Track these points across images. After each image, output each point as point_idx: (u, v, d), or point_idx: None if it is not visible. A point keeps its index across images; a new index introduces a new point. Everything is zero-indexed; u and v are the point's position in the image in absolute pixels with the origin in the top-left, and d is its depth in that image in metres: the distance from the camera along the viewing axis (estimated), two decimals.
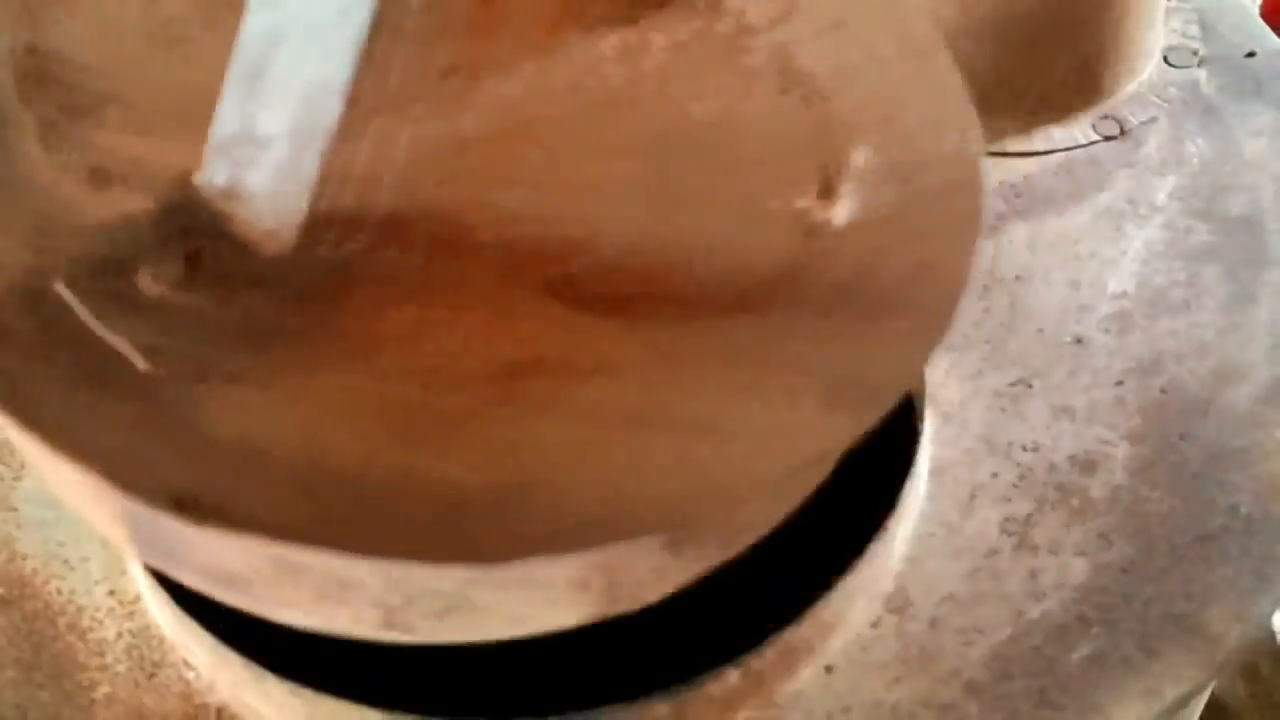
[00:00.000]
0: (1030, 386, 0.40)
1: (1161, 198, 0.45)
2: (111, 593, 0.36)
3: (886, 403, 0.25)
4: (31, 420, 0.23)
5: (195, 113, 0.27)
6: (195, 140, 0.27)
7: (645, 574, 0.25)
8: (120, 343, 0.25)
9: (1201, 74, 0.49)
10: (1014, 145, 0.47)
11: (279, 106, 0.26)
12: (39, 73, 0.29)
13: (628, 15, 0.33)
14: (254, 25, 0.26)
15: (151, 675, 0.34)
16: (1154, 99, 0.48)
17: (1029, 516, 0.37)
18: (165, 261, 0.26)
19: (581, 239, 0.29)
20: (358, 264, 0.27)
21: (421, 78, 0.30)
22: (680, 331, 0.27)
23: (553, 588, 0.24)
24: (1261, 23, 0.51)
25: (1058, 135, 0.47)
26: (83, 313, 0.25)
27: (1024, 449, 0.39)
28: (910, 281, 0.28)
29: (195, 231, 0.27)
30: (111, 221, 0.27)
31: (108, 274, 0.26)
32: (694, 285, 0.28)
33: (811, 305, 0.28)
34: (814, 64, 0.32)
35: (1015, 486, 0.38)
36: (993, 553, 0.36)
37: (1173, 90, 0.48)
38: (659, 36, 0.33)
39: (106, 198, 0.27)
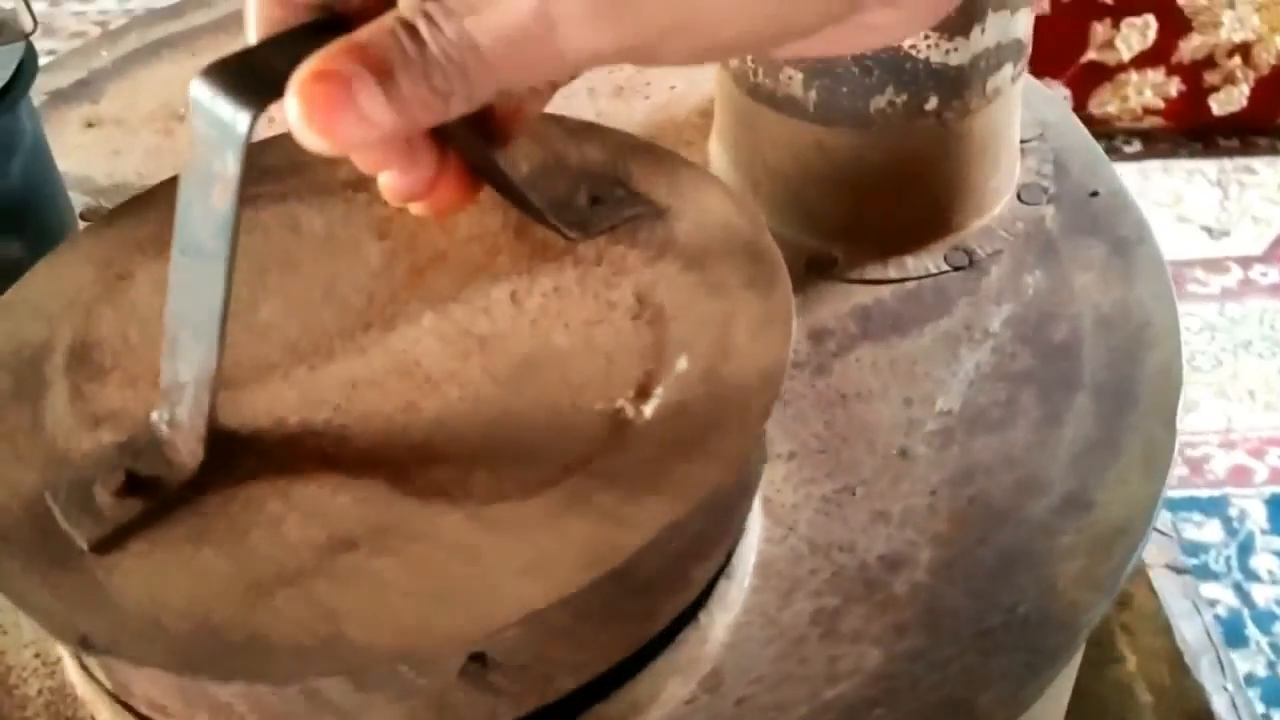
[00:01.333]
0: (854, 493, 0.46)
1: (995, 324, 0.51)
2: (37, 655, 0.42)
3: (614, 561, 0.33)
4: (6, 586, 0.34)
5: None
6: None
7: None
8: (73, 533, 0.35)
9: (1049, 210, 0.55)
10: (871, 272, 0.53)
11: (185, 362, 0.35)
12: (81, 353, 0.40)
13: (526, 267, 0.41)
14: (167, 309, 0.35)
15: None
16: (1002, 233, 0.54)
17: (837, 609, 0.42)
18: (112, 477, 0.35)
19: (422, 439, 0.37)
20: (240, 472, 0.36)
21: (339, 327, 0.40)
22: (487, 508, 0.35)
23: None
24: (1109, 164, 0.57)
25: (911, 264, 0.53)
26: (56, 513, 0.35)
27: (841, 549, 0.44)
28: (679, 463, 0.35)
29: (140, 455, 0.36)
30: (89, 451, 0.37)
31: (78, 487, 0.36)
32: (504, 474, 0.36)
33: (598, 484, 0.35)
34: (666, 296, 0.40)
35: (828, 582, 0.43)
36: (801, 640, 0.42)
37: (1020, 225, 0.54)
38: (546, 281, 0.41)
39: (95, 435, 0.38)
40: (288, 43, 0.31)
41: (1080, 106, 1.62)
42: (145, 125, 0.61)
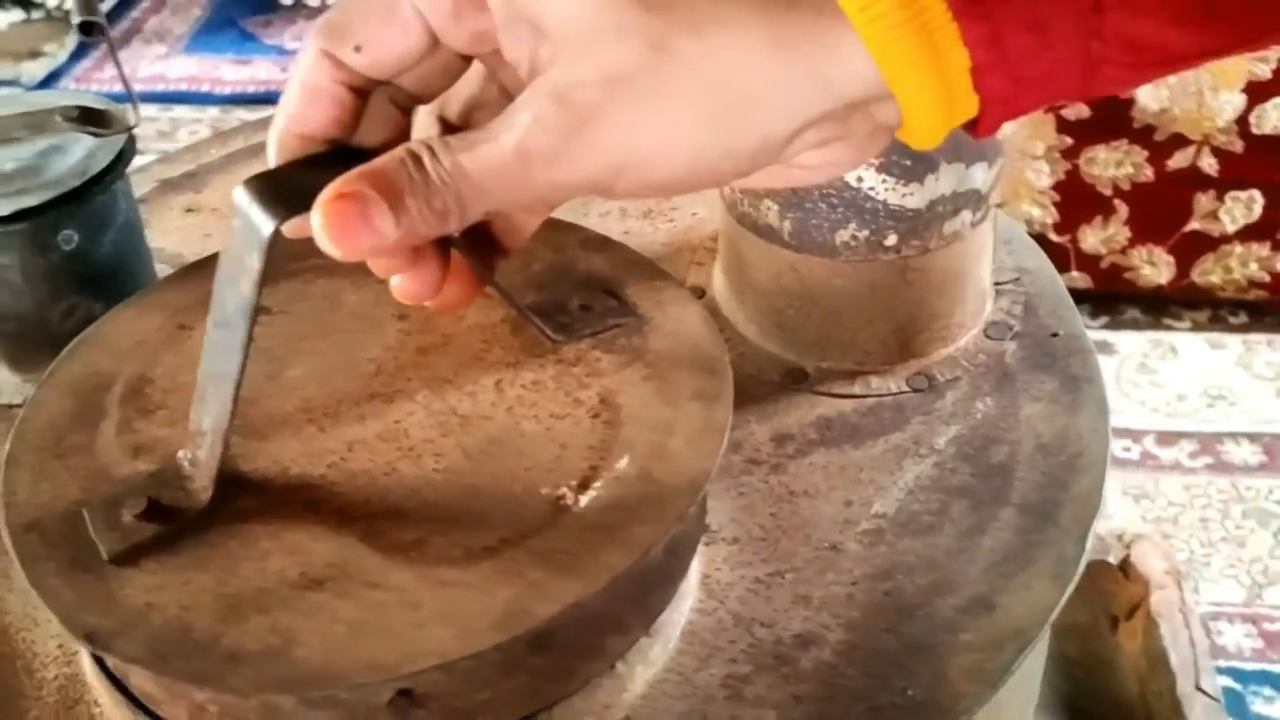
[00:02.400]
0: (784, 578, 0.51)
1: (942, 442, 0.56)
2: (60, 645, 0.49)
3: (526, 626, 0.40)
4: (36, 582, 0.42)
5: None
6: None
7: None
8: (99, 544, 0.42)
9: (1011, 346, 0.60)
10: (838, 388, 0.58)
11: (207, 414, 0.42)
12: (137, 388, 0.48)
13: (514, 360, 0.49)
14: (199, 368, 0.42)
15: (70, 708, 0.47)
16: (963, 363, 0.59)
17: (746, 676, 0.47)
18: (138, 502, 0.43)
19: (396, 502, 0.44)
20: (242, 510, 0.43)
21: (348, 393, 0.48)
22: (434, 569, 0.42)
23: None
24: (1074, 309, 0.62)
25: (875, 383, 0.58)
26: (87, 524, 0.42)
27: (761, 624, 0.49)
28: (598, 549, 0.42)
29: (164, 486, 0.44)
30: (125, 476, 0.44)
31: (109, 505, 0.43)
32: (456, 539, 0.42)
33: (529, 560, 0.42)
34: (625, 400, 0.47)
35: (744, 652, 0.48)
36: (709, 699, 0.47)
37: (982, 357, 0.59)
38: (528, 375, 0.48)
39: (133, 463, 0.45)
40: (310, 166, 0.39)
41: (1183, 274, 1.65)
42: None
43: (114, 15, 2.41)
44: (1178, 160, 1.58)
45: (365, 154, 0.41)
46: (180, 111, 2.15)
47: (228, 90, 2.21)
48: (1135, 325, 1.69)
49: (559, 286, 0.51)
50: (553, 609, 0.40)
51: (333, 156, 0.40)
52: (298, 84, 0.39)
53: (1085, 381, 0.58)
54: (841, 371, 0.59)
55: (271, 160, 0.40)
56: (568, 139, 0.36)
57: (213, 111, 2.16)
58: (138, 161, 0.61)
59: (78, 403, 0.47)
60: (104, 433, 0.46)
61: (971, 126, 0.37)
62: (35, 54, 2.32)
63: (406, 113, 0.41)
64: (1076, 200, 1.63)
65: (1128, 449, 1.51)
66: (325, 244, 0.37)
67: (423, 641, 0.39)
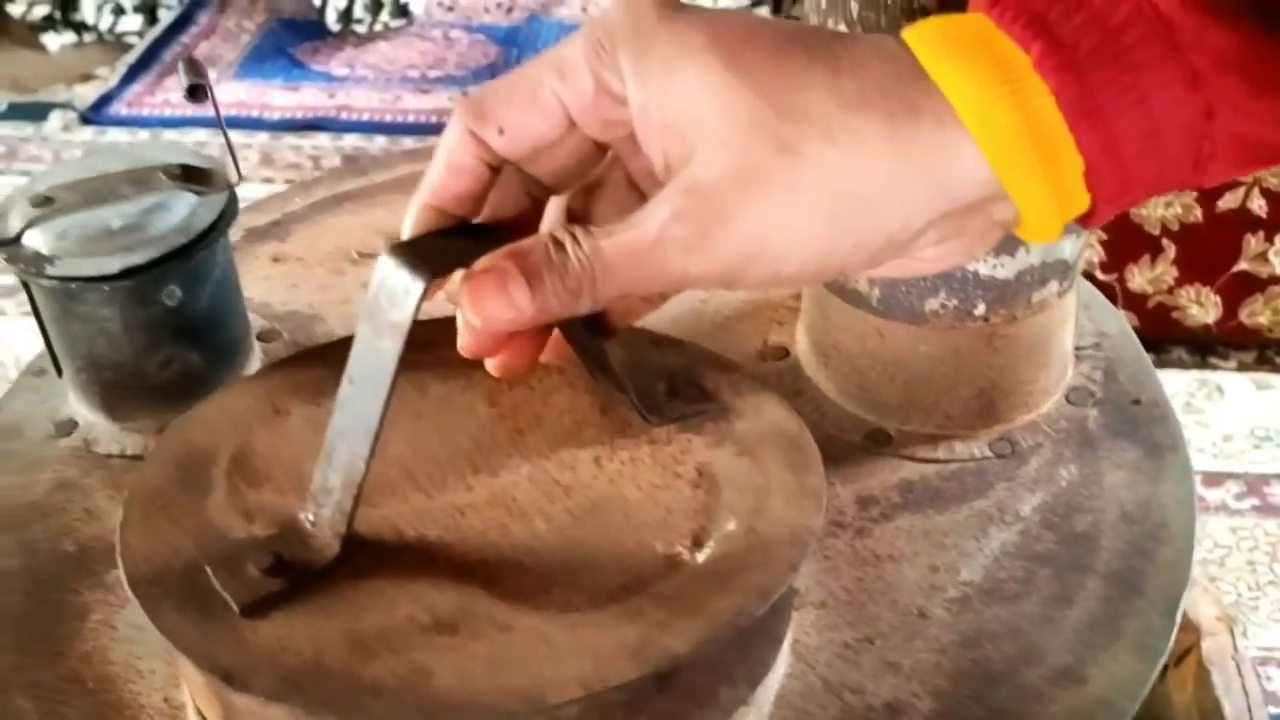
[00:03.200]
0: (872, 643, 0.51)
1: (1026, 509, 0.56)
2: (165, 699, 0.50)
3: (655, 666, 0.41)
4: (164, 628, 0.43)
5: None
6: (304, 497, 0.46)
7: None
8: (226, 597, 0.43)
9: (1093, 412, 0.61)
10: (921, 451, 0.59)
11: (337, 470, 0.44)
12: (241, 462, 0.49)
13: (608, 439, 0.50)
14: (331, 425, 0.44)
15: None
16: (1046, 428, 0.60)
17: None
18: (263, 557, 0.44)
19: (513, 556, 0.45)
20: (364, 566, 0.45)
21: (451, 467, 0.49)
22: (561, 614, 0.43)
23: None
24: (1155, 373, 0.62)
25: (958, 448, 0.59)
26: (214, 582, 0.44)
27: (851, 691, 0.50)
28: (718, 595, 0.43)
29: (286, 543, 0.45)
30: (244, 538, 0.46)
31: (232, 562, 0.44)
32: (577, 587, 0.44)
33: (652, 604, 0.43)
34: (721, 471, 0.48)
35: (834, 719, 0.49)
36: None
37: (1064, 423, 0.60)
38: (624, 453, 0.50)
39: (247, 525, 0.46)
40: (445, 237, 0.42)
41: (1230, 315, 1.65)
42: (321, 264, 0.72)
43: (165, 40, 2.44)
44: (1227, 201, 1.58)
45: (494, 227, 0.43)
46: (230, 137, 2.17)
47: (276, 116, 2.23)
48: (1181, 365, 1.69)
49: (640, 375, 0.52)
50: (684, 645, 0.42)
51: (466, 229, 0.43)
52: (443, 159, 0.42)
53: (1169, 450, 0.59)
54: (923, 434, 0.59)
55: (407, 226, 0.43)
56: (704, 232, 0.37)
57: (262, 137, 2.18)
58: None
59: (183, 474, 0.48)
60: (214, 500, 0.47)
61: (1082, 218, 0.38)
62: (88, 77, 2.35)
63: (535, 196, 0.43)
64: (1124, 239, 1.63)
65: None
66: (467, 312, 0.40)
67: (563, 673, 0.41)
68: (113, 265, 0.56)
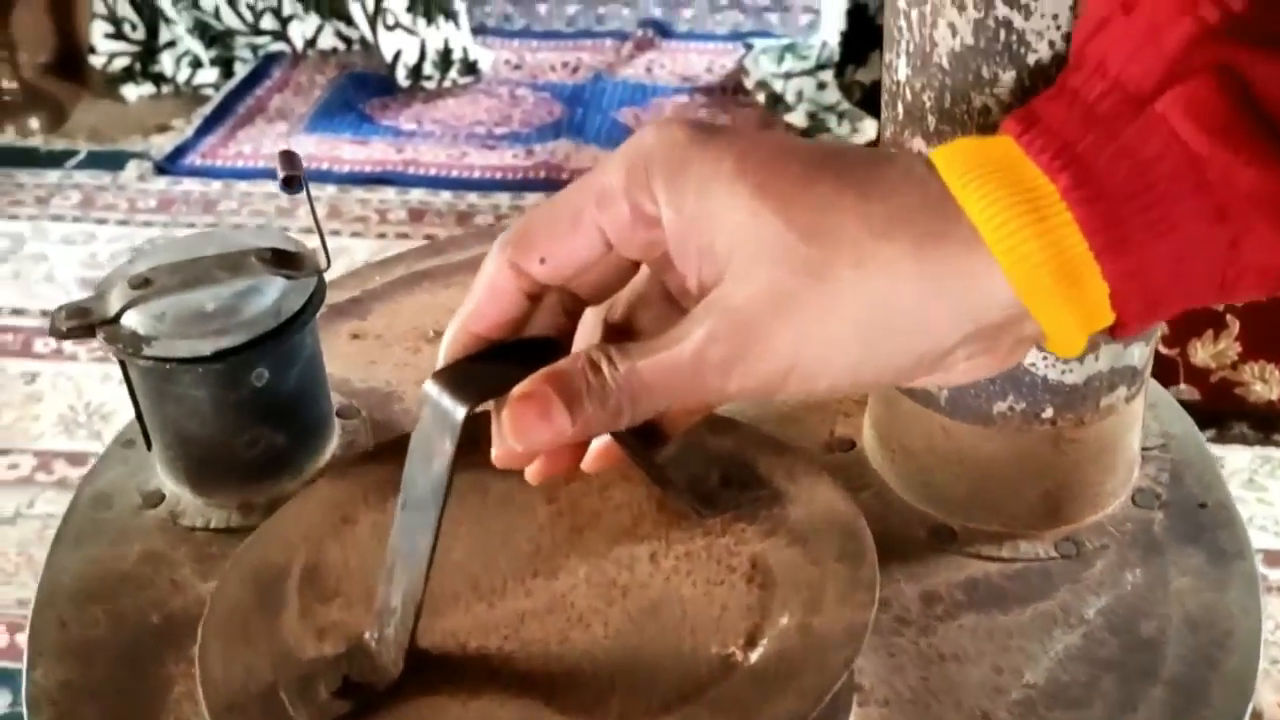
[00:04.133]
0: None
1: (1090, 613, 0.57)
2: None
3: None
4: None
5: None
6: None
7: None
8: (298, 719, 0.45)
9: (1159, 515, 0.61)
10: (985, 550, 0.60)
11: (397, 590, 0.45)
12: (311, 577, 0.51)
13: (664, 533, 0.51)
14: (389, 546, 0.46)
15: None
16: (1111, 530, 0.60)
17: None
18: (332, 679, 0.46)
19: (573, 665, 0.47)
20: (428, 683, 0.46)
21: (511, 570, 0.50)
22: None
23: None
24: (1221, 476, 0.63)
25: (1023, 547, 0.60)
26: (285, 702, 0.45)
27: None
28: (773, 697, 0.44)
29: (353, 664, 0.46)
30: (316, 658, 0.47)
31: (304, 684, 0.46)
32: (635, 698, 0.45)
33: (707, 713, 0.44)
34: (775, 563, 0.49)
35: None
36: None
37: (1129, 525, 0.60)
38: (679, 547, 0.51)
39: (319, 645, 0.48)
40: (487, 360, 0.44)
41: None
42: (399, 342, 0.74)
43: (239, 93, 2.50)
44: None
45: (531, 344, 0.44)
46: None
47: (345, 169, 2.28)
48: (1244, 441, 1.68)
49: (694, 462, 0.53)
50: None
51: (505, 349, 0.44)
52: (483, 288, 0.44)
53: (1235, 557, 0.59)
54: (989, 533, 0.60)
55: (445, 351, 0.45)
56: (739, 352, 0.39)
57: (330, 190, 2.22)
58: None
59: (259, 592, 0.50)
60: (287, 619, 0.49)
61: (1111, 329, 0.40)
62: (164, 128, 2.41)
63: (571, 310, 0.44)
64: (1188, 314, 1.63)
65: None
66: (509, 437, 0.41)
67: None
68: (206, 348, 0.58)
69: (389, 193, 2.23)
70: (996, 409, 0.57)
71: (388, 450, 0.55)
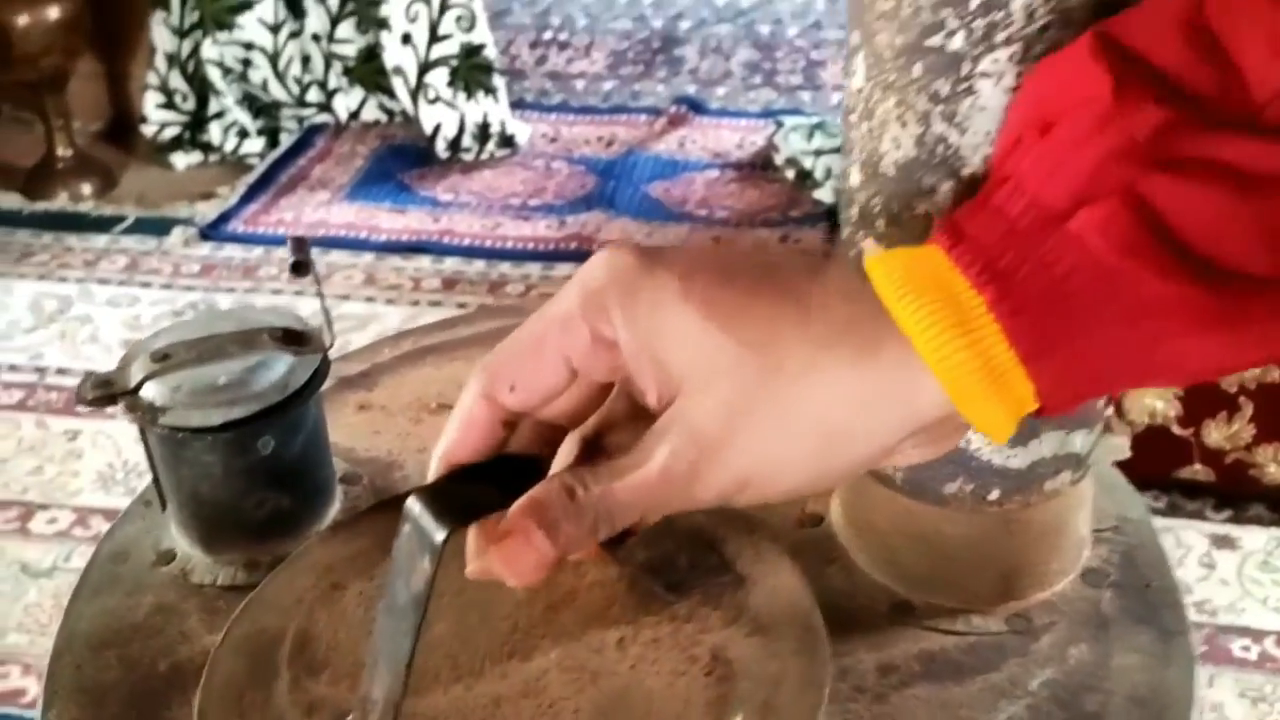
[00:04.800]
0: None
1: (1036, 685, 0.60)
2: None
3: None
4: None
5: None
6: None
7: None
8: None
9: (1108, 594, 0.64)
10: (942, 624, 0.63)
11: (379, 684, 0.48)
12: (302, 646, 0.55)
13: (633, 617, 0.55)
14: (371, 643, 0.49)
15: None
16: (1061, 607, 0.64)
17: None
18: None
19: None
20: None
21: (488, 650, 0.54)
22: None
23: None
24: (1167, 560, 0.66)
25: (976, 621, 0.63)
26: None
27: None
28: None
29: None
30: None
31: None
32: None
33: None
34: (734, 656, 0.53)
35: None
36: None
37: (1079, 604, 0.64)
38: (646, 633, 0.55)
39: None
40: (466, 479, 0.48)
41: None
42: (402, 413, 0.79)
43: (283, 162, 2.58)
44: None
45: (512, 462, 0.48)
46: (337, 255, 2.28)
47: (383, 237, 2.35)
48: (1259, 521, 1.69)
49: (664, 543, 0.57)
50: None
51: (487, 467, 0.48)
52: (459, 420, 0.47)
53: (1177, 634, 0.62)
54: (946, 609, 0.64)
55: (431, 475, 0.48)
56: (700, 467, 0.43)
57: (367, 257, 2.29)
58: None
59: (252, 661, 0.54)
60: (278, 691, 0.53)
61: (1035, 412, 0.43)
62: (208, 195, 2.49)
63: (549, 439, 0.48)
64: (1201, 395, 1.65)
65: (1246, 648, 1.51)
66: (500, 572, 0.45)
67: None
68: (216, 418, 0.63)
69: (424, 261, 2.29)
70: (948, 489, 0.61)
71: (376, 516, 0.59)
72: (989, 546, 0.62)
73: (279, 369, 0.65)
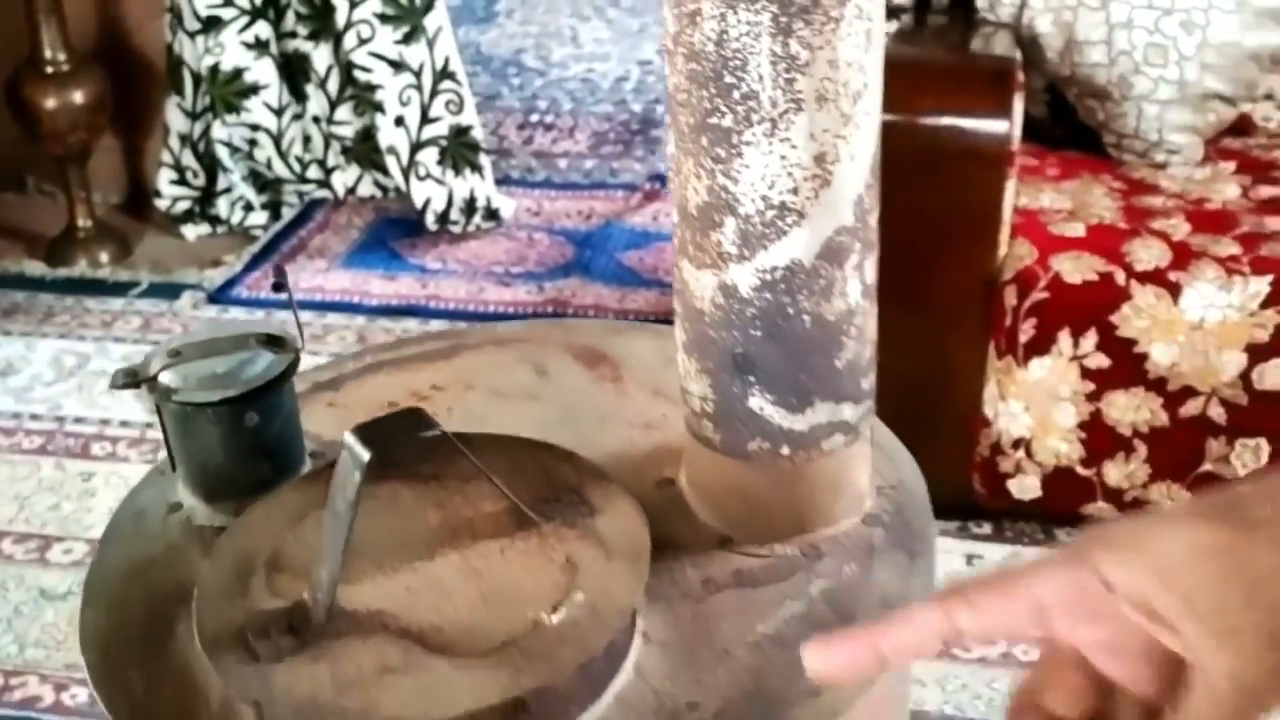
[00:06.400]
0: (689, 667, 0.76)
1: (815, 591, 0.81)
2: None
3: None
4: (223, 675, 0.71)
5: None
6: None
7: None
8: (259, 651, 0.71)
9: (878, 531, 0.86)
10: (750, 550, 0.84)
11: (324, 569, 0.71)
12: (274, 559, 0.77)
13: (510, 533, 0.78)
14: (321, 543, 0.72)
15: None
16: (842, 541, 0.85)
17: None
18: (281, 624, 0.72)
19: (439, 623, 0.73)
20: (343, 630, 0.72)
21: (406, 553, 0.77)
22: (463, 661, 0.71)
23: None
24: (930, 511, 0.87)
25: (777, 549, 0.84)
26: (248, 639, 0.71)
27: (667, 695, 0.74)
28: (564, 648, 0.71)
29: (296, 615, 0.73)
30: (270, 610, 0.73)
31: (262, 628, 0.72)
32: (474, 644, 0.72)
33: (518, 654, 0.71)
34: (582, 558, 0.76)
35: (655, 714, 0.74)
36: None
37: (856, 538, 0.85)
38: (519, 544, 0.78)
39: (274, 602, 0.74)
40: (396, 421, 0.72)
41: None
42: (361, 408, 1.00)
43: (285, 233, 2.80)
44: (1189, 408, 1.72)
45: (417, 413, 0.71)
46: (333, 318, 2.50)
47: (374, 302, 2.55)
48: None
49: (538, 487, 0.80)
50: (534, 683, 0.68)
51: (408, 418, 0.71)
52: (905, 612, 0.49)
53: (922, 557, 0.83)
54: (756, 540, 0.85)
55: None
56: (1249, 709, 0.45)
57: (360, 320, 2.50)
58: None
59: (236, 569, 0.77)
60: (255, 585, 0.75)
61: None
62: (217, 263, 2.70)
63: None
64: (1100, 438, 1.77)
65: None
66: None
67: (457, 701, 0.67)
68: (215, 397, 0.85)
69: (411, 323, 2.49)
70: (750, 447, 0.83)
71: (330, 469, 0.81)
72: (784, 491, 0.84)
73: (261, 364, 0.87)
